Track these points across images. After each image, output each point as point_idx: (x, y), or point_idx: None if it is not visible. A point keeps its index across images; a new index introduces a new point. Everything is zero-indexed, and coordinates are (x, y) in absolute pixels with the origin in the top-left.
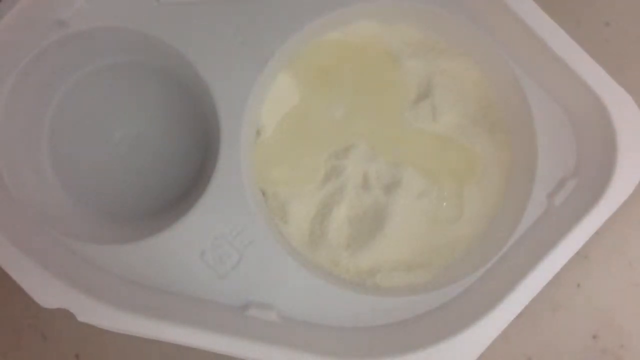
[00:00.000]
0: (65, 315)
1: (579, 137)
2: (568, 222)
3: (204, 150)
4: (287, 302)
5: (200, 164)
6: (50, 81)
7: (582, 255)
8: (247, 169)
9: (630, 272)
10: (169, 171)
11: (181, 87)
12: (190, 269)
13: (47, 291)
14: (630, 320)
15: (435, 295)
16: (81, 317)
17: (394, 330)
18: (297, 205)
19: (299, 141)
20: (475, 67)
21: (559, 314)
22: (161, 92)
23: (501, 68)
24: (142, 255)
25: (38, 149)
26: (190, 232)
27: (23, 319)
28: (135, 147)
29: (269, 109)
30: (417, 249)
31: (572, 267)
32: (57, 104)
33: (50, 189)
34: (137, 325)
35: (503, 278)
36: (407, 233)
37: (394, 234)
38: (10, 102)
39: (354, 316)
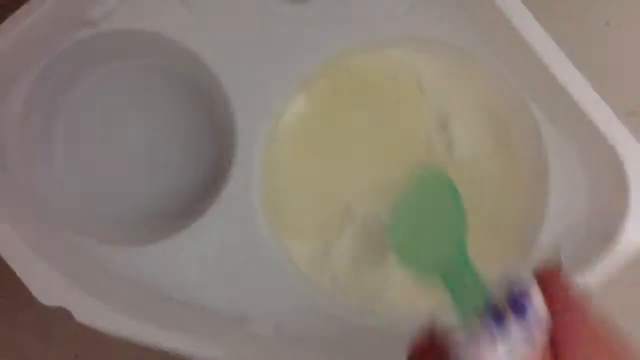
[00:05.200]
0: (65, 315)
1: (592, 186)
2: (576, 269)
3: (216, 160)
4: (285, 319)
5: (212, 173)
6: (72, 78)
7: None
8: (259, 183)
9: (630, 272)
10: (180, 177)
11: (201, 95)
12: (193, 276)
13: (48, 288)
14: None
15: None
16: (79, 317)
17: (393, 357)
18: (304, 223)
19: (312, 162)
20: (496, 107)
21: None
22: (181, 97)
23: (522, 110)
24: (147, 260)
25: (53, 145)
26: (197, 240)
27: (23, 319)
28: (149, 150)
29: (286, 127)
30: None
31: None
32: (76, 100)
33: (63, 186)
34: (134, 330)
35: None
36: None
37: None
38: (30, 96)
39: (351, 339)
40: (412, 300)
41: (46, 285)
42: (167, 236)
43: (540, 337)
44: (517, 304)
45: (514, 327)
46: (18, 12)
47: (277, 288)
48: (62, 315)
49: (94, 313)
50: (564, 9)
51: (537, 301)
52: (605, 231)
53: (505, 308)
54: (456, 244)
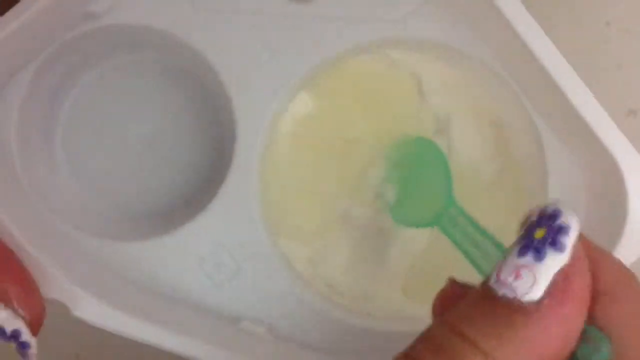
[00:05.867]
0: (65, 315)
1: (590, 195)
2: None
3: (216, 158)
4: (279, 320)
5: (211, 171)
6: (73, 72)
7: None
8: (257, 183)
9: None
10: (180, 174)
11: (203, 92)
12: (188, 274)
13: (45, 281)
14: None
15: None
16: (75, 312)
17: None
18: (301, 224)
19: (311, 162)
20: (496, 111)
21: None
22: (182, 94)
23: (522, 116)
24: (144, 256)
25: (53, 139)
26: (193, 238)
27: None
28: (149, 146)
29: (287, 126)
30: (417, 281)
31: None
32: (76, 95)
33: (61, 179)
34: (128, 326)
35: None
36: (409, 264)
37: (395, 263)
38: (30, 90)
39: (345, 341)
40: (407, 302)
41: (43, 277)
42: (164, 233)
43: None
44: (554, 231)
45: (549, 251)
46: (19, 4)
47: (272, 288)
48: (62, 315)
49: (90, 308)
50: (564, 9)
51: (575, 236)
52: (603, 240)
53: (542, 236)
54: (446, 195)
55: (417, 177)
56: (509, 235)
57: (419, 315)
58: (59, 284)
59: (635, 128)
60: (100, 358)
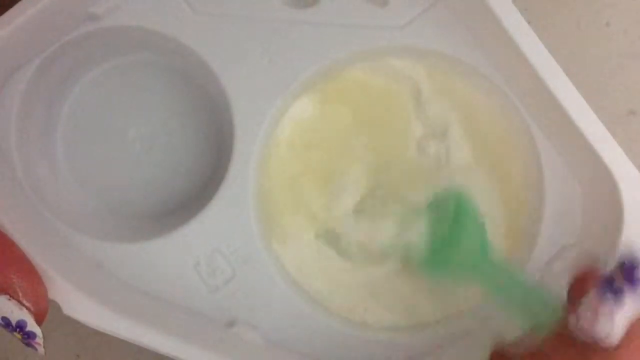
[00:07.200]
0: (65, 316)
1: (586, 207)
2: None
3: (215, 161)
4: (273, 326)
5: (210, 173)
6: (73, 72)
7: None
8: (254, 187)
9: None
10: (177, 176)
11: (202, 95)
12: (183, 277)
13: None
14: None
15: (422, 341)
16: (67, 311)
17: None
18: (297, 230)
19: (309, 168)
20: (494, 121)
21: None
22: (181, 97)
23: (519, 126)
24: (139, 257)
25: (53, 139)
26: (189, 241)
27: None
28: (147, 147)
29: (285, 131)
30: (410, 294)
31: None
32: (76, 95)
33: (60, 179)
34: (119, 327)
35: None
36: (402, 274)
37: (390, 272)
38: (30, 89)
39: (338, 349)
40: (399, 312)
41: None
42: (160, 236)
43: None
44: (633, 279)
45: (629, 298)
46: (20, 4)
47: (267, 294)
48: (63, 315)
49: (82, 307)
50: (564, 9)
51: None
52: (597, 255)
53: (621, 282)
54: (482, 250)
55: (452, 229)
56: (499, 242)
57: (413, 326)
58: (52, 283)
59: (635, 128)
60: (100, 358)
